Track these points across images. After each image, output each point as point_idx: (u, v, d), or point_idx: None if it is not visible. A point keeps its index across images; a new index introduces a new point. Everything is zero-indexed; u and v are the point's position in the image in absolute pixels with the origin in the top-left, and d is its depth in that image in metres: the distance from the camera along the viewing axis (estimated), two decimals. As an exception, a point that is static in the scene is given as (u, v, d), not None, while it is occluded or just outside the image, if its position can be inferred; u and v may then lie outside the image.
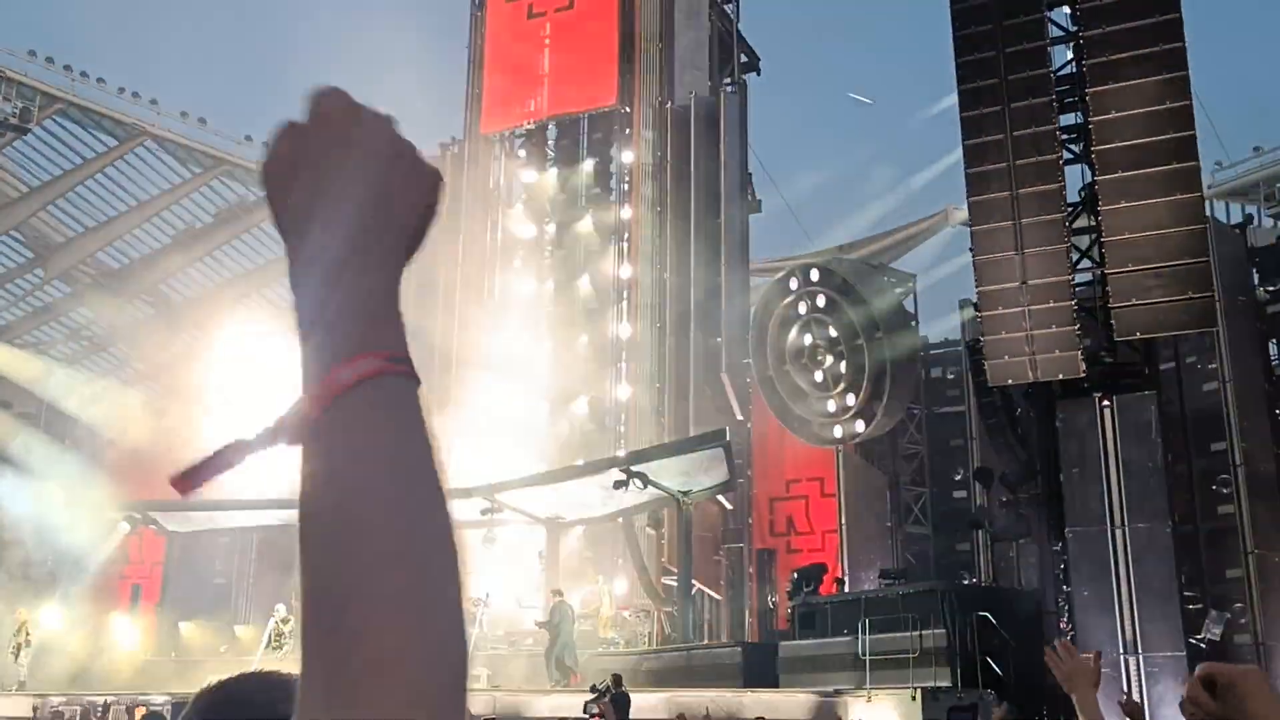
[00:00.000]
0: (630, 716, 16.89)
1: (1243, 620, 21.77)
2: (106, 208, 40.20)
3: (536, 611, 26.26)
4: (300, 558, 0.82)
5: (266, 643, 25.80)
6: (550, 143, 32.93)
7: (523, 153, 33.33)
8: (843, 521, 25.90)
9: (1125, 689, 17.64)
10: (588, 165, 31.89)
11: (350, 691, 0.76)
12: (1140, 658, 18.10)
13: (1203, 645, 19.16)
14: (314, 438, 0.82)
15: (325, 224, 0.89)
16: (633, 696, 19.29)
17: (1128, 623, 18.33)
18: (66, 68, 37.82)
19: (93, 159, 39.26)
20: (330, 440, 0.82)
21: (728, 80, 31.67)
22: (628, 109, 30.42)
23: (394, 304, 0.90)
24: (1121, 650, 18.24)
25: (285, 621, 25.47)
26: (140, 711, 13.40)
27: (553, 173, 32.53)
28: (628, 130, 30.57)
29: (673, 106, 30.02)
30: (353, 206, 0.89)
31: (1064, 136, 20.69)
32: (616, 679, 17.54)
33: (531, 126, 32.66)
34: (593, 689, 17.81)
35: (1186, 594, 19.23)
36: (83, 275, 40.69)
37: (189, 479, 0.84)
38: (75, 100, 37.63)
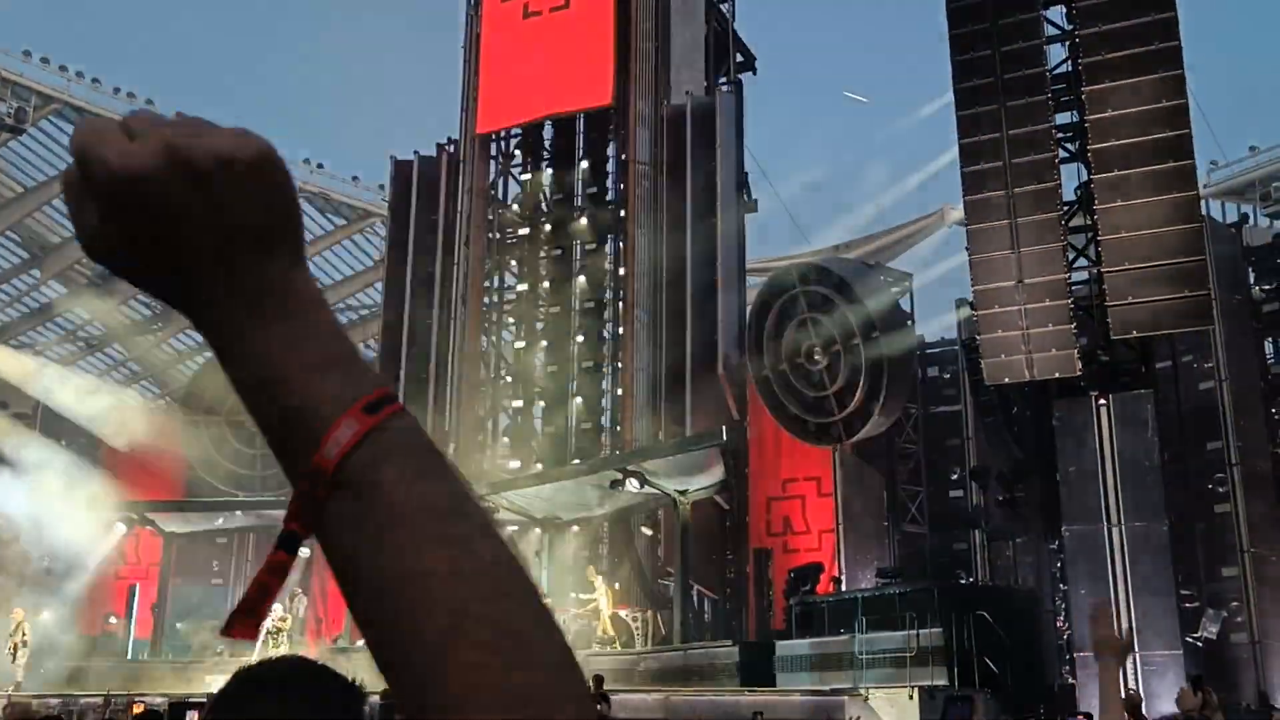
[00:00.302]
0: (622, 718, 16.89)
1: (1239, 619, 21.79)
2: (102, 208, 40.15)
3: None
4: (366, 641, 0.75)
5: (262, 643, 25.76)
6: (546, 143, 32.93)
7: (518, 152, 33.33)
8: (839, 521, 25.91)
9: (1125, 683, 17.65)
10: (583, 165, 31.88)
11: None
12: (1137, 656, 18.09)
13: (1199, 644, 19.19)
14: (331, 526, 0.75)
15: (213, 296, 0.76)
16: (629, 697, 19.32)
17: (1124, 621, 18.32)
18: (62, 68, 37.79)
19: (86, 161, 39.19)
20: (349, 523, 0.74)
21: (724, 80, 31.68)
22: (623, 109, 30.41)
23: (336, 337, 0.78)
24: (1118, 649, 18.24)
25: (283, 620, 25.48)
26: (138, 708, 13.39)
27: (548, 172, 32.52)
28: (623, 130, 30.56)
29: (668, 106, 30.02)
30: (217, 255, 0.76)
31: (1059, 135, 20.71)
32: (598, 680, 17.55)
33: (527, 126, 32.66)
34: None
35: (1183, 592, 19.25)
36: (79, 276, 40.66)
37: (239, 629, 0.77)
38: (71, 100, 37.58)
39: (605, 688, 20.25)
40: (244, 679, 1.45)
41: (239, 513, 29.95)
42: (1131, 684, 17.92)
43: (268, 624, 25.45)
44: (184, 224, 0.75)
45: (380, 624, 0.74)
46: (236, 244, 0.76)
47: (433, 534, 0.74)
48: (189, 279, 0.77)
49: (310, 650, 26.94)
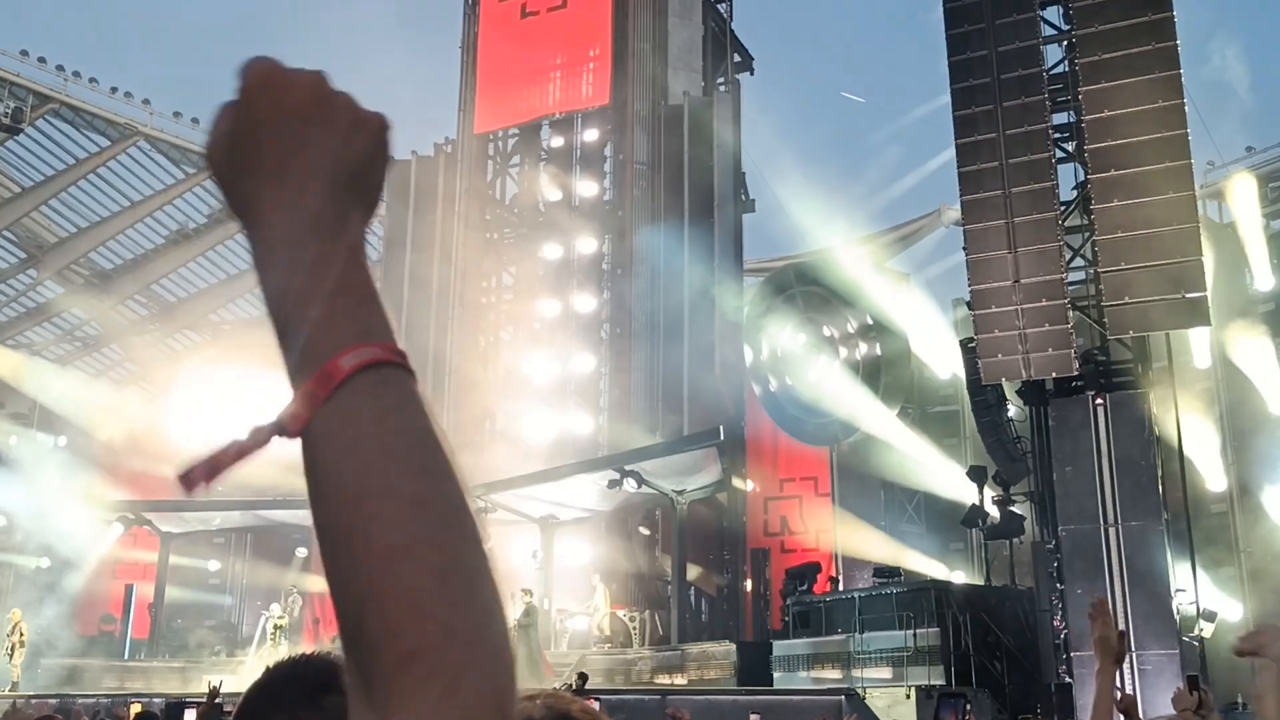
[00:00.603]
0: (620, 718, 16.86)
1: (1235, 618, 21.82)
2: (99, 208, 40.14)
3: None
4: (322, 554, 0.80)
5: (260, 640, 25.79)
6: (544, 142, 32.93)
7: (516, 152, 33.35)
8: (836, 520, 25.93)
9: (1119, 685, 17.68)
10: (580, 165, 31.89)
11: (386, 693, 0.74)
12: (1133, 656, 18.11)
13: (1195, 643, 19.21)
14: (319, 429, 0.80)
15: (275, 201, 0.86)
16: (626, 697, 19.32)
17: (1121, 621, 18.33)
18: (59, 68, 37.75)
19: (85, 159, 39.18)
20: (336, 431, 0.80)
21: (721, 80, 31.70)
22: (621, 109, 30.42)
23: (370, 284, 0.87)
24: (1115, 648, 18.26)
25: (281, 619, 25.49)
26: (136, 707, 13.38)
27: (546, 173, 32.52)
28: (621, 130, 30.57)
29: (666, 106, 30.04)
30: (297, 176, 0.86)
31: (1056, 135, 20.72)
32: (582, 678, 17.55)
33: (525, 126, 32.67)
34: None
35: (1179, 591, 19.26)
36: (76, 275, 40.64)
37: (194, 477, 0.82)
38: (68, 100, 37.55)
39: (600, 685, 20.28)
40: (280, 677, 1.46)
41: (236, 513, 29.93)
42: (1128, 683, 17.96)
43: (264, 625, 25.47)
44: (311, 142, 0.87)
45: (338, 530, 0.79)
46: (340, 171, 0.88)
47: (405, 458, 0.80)
48: (291, 183, 0.86)
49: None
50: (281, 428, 0.81)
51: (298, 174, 0.86)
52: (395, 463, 0.80)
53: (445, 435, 0.84)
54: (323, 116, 0.88)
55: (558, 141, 32.39)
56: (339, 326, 0.83)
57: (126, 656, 28.97)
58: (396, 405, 0.82)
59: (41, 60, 37.48)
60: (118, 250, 41.00)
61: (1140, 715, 7.58)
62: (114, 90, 38.56)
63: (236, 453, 0.81)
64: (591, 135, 31.72)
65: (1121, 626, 18.03)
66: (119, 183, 39.87)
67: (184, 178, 39.76)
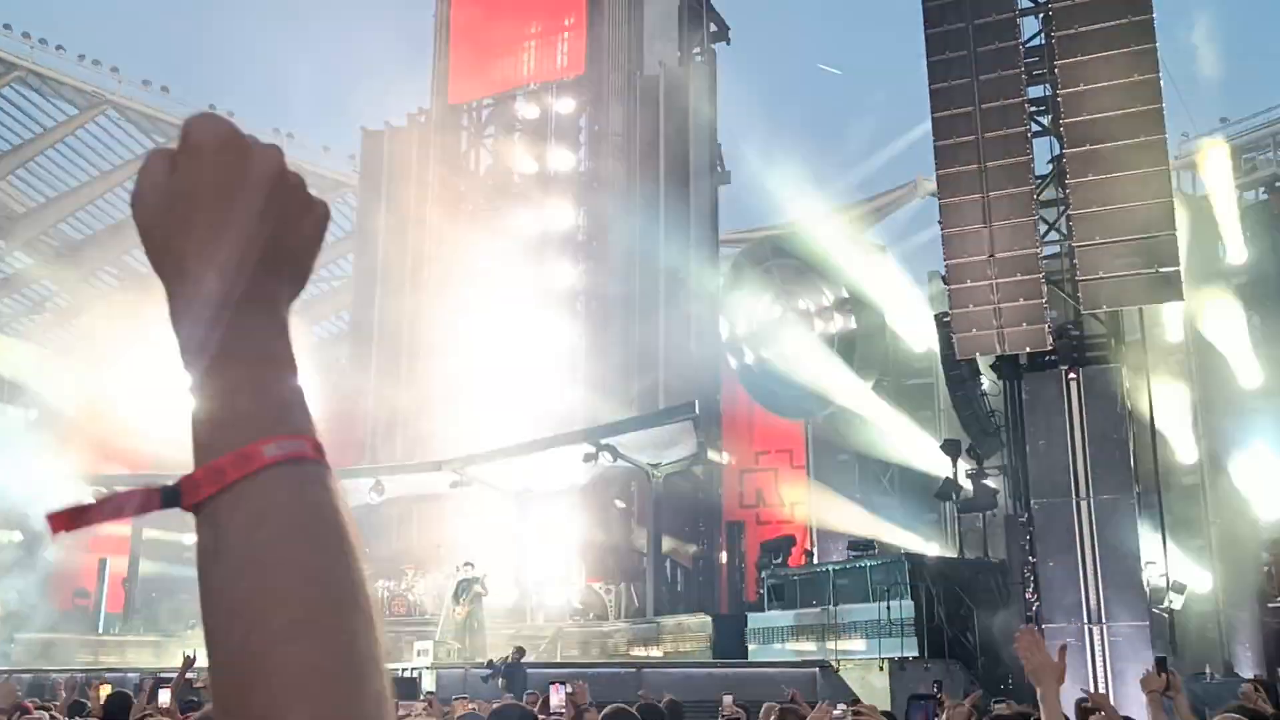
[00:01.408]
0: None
1: (1204, 590, 22.06)
2: (68, 177, 39.65)
3: (509, 584, 26.36)
4: (205, 627, 0.79)
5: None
6: (518, 113, 32.66)
7: (490, 123, 33.07)
8: (811, 493, 26.04)
9: (1090, 661, 17.88)
10: (556, 135, 31.66)
11: None
12: (1104, 628, 18.31)
13: (1165, 615, 19.42)
14: (224, 507, 0.79)
15: (210, 265, 0.85)
16: (603, 670, 19.38)
17: (1092, 593, 18.52)
18: (25, 34, 37.14)
19: (53, 128, 38.66)
20: (244, 513, 0.79)
21: (697, 50, 31.49)
22: (596, 80, 30.19)
23: (296, 365, 0.87)
24: (1086, 620, 18.45)
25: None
26: (105, 689, 13.26)
27: (520, 143, 32.29)
28: (596, 101, 30.35)
29: (641, 77, 29.83)
30: (239, 246, 0.85)
31: (1032, 109, 20.68)
32: (519, 650, 17.62)
33: (499, 96, 32.39)
34: (489, 664, 17.90)
35: (1149, 564, 19.44)
36: (45, 246, 40.15)
37: (60, 521, 0.81)
38: (34, 68, 36.98)
39: (576, 658, 20.36)
40: None
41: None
42: (1098, 655, 18.16)
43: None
44: (262, 215, 0.85)
45: (230, 605, 0.78)
46: (282, 249, 0.87)
47: (310, 545, 0.80)
48: (215, 248, 0.84)
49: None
50: (176, 496, 0.80)
51: (239, 243, 0.85)
52: (299, 546, 0.79)
53: (355, 528, 0.83)
54: (277, 193, 0.87)
55: (532, 112, 32.14)
56: (264, 409, 0.83)
57: (101, 630, 28.88)
58: (311, 502, 0.81)
59: (7, 27, 36.90)
60: (88, 220, 40.54)
61: (1112, 705, 7.65)
62: (81, 58, 38.03)
63: (114, 509, 0.80)
64: (566, 106, 31.49)
65: (1091, 603, 18.19)
66: (88, 152, 39.39)
67: (154, 147, 39.29)
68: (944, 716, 7.05)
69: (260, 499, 0.79)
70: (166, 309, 0.86)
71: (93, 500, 0.80)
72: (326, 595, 0.78)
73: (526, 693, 13.17)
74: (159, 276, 0.87)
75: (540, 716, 8.07)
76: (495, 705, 7.44)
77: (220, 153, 0.86)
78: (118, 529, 31.08)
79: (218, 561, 0.79)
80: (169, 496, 0.80)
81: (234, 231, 0.84)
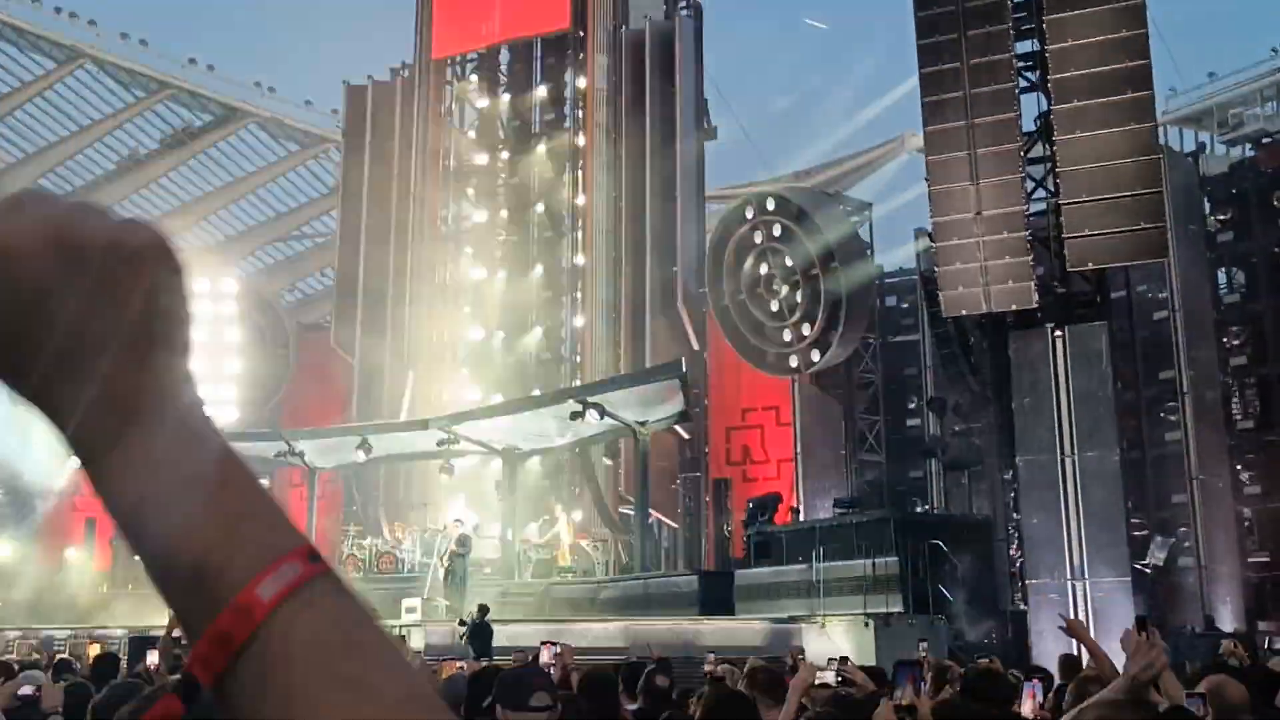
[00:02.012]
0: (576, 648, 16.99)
1: (1186, 544, 22.31)
2: (47, 132, 39.18)
3: (495, 541, 26.47)
4: None
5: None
6: (503, 68, 32.34)
7: (474, 78, 32.73)
8: (798, 450, 26.13)
9: (1071, 611, 18.06)
10: (541, 91, 31.38)
11: None
12: (1087, 583, 18.51)
13: (1147, 570, 19.64)
14: (246, 675, 0.68)
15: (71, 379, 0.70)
16: (590, 626, 19.51)
17: (1075, 549, 18.71)
18: (0, -13, 36.54)
19: (31, 82, 38.14)
20: (269, 675, 0.67)
21: (683, 5, 31.13)
22: (581, 33, 29.88)
23: (241, 463, 0.72)
24: (1069, 575, 18.65)
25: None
26: (94, 649, 13.32)
27: (505, 99, 32.00)
28: (581, 55, 30.06)
29: (628, 31, 29.53)
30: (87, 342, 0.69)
31: (1020, 64, 20.59)
32: (482, 609, 17.73)
33: (483, 51, 32.04)
34: (460, 621, 18.03)
35: (1133, 520, 19.65)
36: (24, 203, 39.77)
37: None
38: (9, 20, 36.40)
39: (564, 615, 20.48)
40: None
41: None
42: (1081, 610, 18.36)
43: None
44: (52, 308, 0.68)
45: None
46: (113, 338, 0.69)
47: (366, 682, 0.69)
48: (57, 371, 0.70)
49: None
50: (196, 687, 0.69)
51: (79, 341, 0.69)
52: (338, 682, 0.68)
53: (385, 627, 0.73)
54: (76, 253, 0.69)
55: (517, 67, 31.83)
56: (239, 541, 0.69)
57: (88, 588, 28.92)
58: (335, 626, 0.70)
59: (-17, -22, 36.28)
60: (67, 176, 40.08)
61: (1090, 636, 7.74)
62: (58, 11, 37.42)
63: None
64: (551, 61, 31.18)
65: (1074, 559, 18.38)
66: (66, 106, 38.90)
67: (134, 101, 38.83)
68: (929, 679, 7.11)
69: (280, 653, 0.68)
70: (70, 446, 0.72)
71: None
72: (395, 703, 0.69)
73: (515, 650, 13.21)
74: (45, 414, 0.72)
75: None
76: (477, 668, 7.47)
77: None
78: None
79: None
80: (190, 692, 0.69)
81: (59, 324, 0.69)
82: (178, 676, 0.70)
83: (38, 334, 0.69)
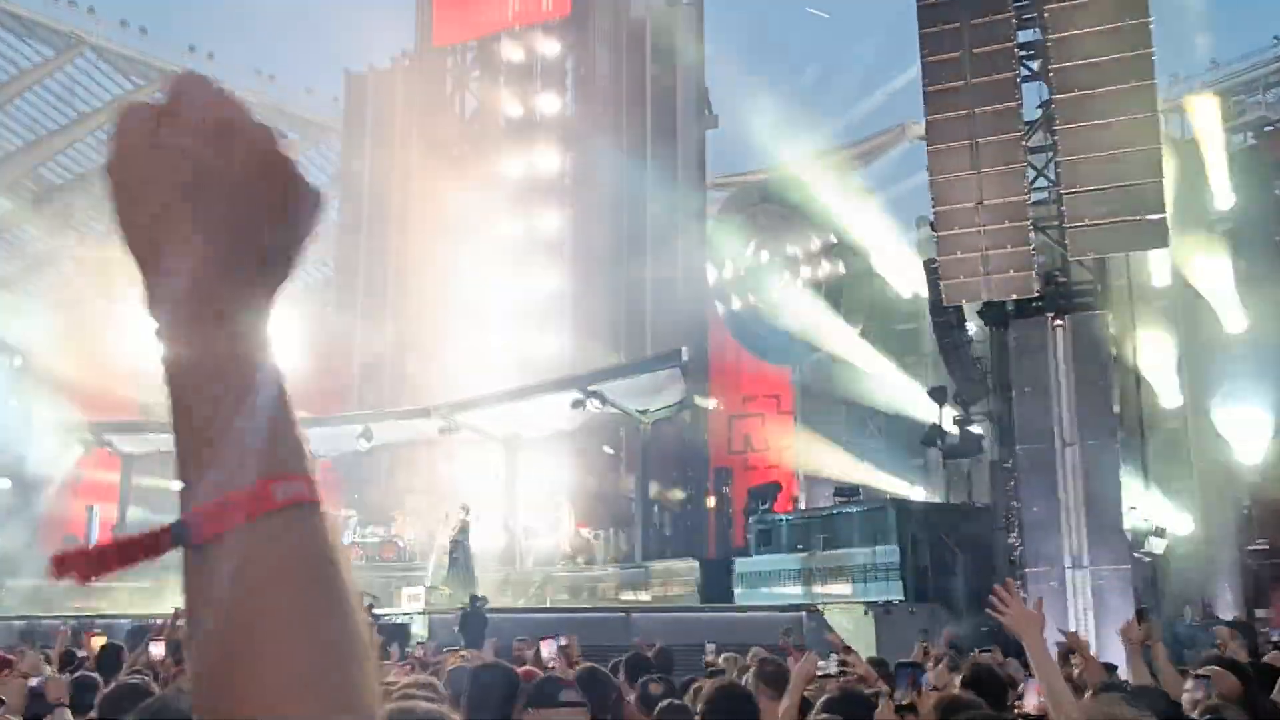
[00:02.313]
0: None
1: (1185, 532, 22.34)
2: (47, 120, 39.13)
3: (498, 530, 26.53)
4: (195, 667, 0.77)
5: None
6: (503, 56, 32.28)
7: (475, 66, 32.67)
8: (798, 438, 26.17)
9: (1071, 604, 18.13)
10: (541, 79, 31.33)
11: None
12: (1086, 572, 18.54)
13: (1146, 559, 19.67)
14: (230, 547, 0.76)
15: (214, 262, 0.79)
16: (592, 615, 19.61)
17: (1075, 537, 18.73)
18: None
19: (30, 69, 38.08)
20: (249, 555, 0.76)
21: (685, -9, 31.08)
22: (582, 22, 29.81)
23: (278, 369, 0.82)
24: (1069, 564, 18.68)
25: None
26: (98, 640, 13.35)
27: (506, 87, 31.96)
28: (582, 44, 30.00)
29: (628, 19, 29.47)
30: (249, 245, 0.79)
31: (1022, 54, 20.53)
32: (474, 598, 17.83)
33: (484, 39, 31.97)
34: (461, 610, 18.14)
35: (1132, 508, 19.66)
36: (24, 190, 39.70)
37: (67, 565, 0.79)
38: (8, 8, 36.33)
39: (565, 603, 20.56)
40: None
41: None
42: (1080, 599, 18.41)
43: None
44: (266, 209, 0.80)
45: (228, 648, 0.76)
46: (281, 245, 0.81)
47: (311, 594, 0.78)
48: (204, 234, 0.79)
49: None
50: (185, 535, 0.77)
51: (240, 238, 0.79)
52: (301, 596, 0.78)
53: (349, 567, 0.82)
54: (286, 188, 0.81)
55: (517, 55, 31.78)
56: (268, 440, 0.79)
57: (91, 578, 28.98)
58: (310, 553, 0.79)
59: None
60: (67, 165, 40.06)
61: (1089, 651, 7.77)
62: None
63: (122, 556, 0.78)
64: (552, 49, 31.14)
65: (1074, 547, 18.39)
66: (66, 94, 38.85)
67: (133, 89, 38.76)
68: (930, 674, 7.14)
69: (263, 545, 0.77)
70: (144, 296, 0.81)
71: (99, 546, 0.78)
72: (325, 651, 0.77)
73: (517, 639, 13.25)
74: (134, 258, 0.81)
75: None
76: (481, 663, 7.50)
77: (206, 121, 0.80)
78: (106, 475, 31.11)
79: (212, 604, 0.77)
80: (177, 536, 0.77)
81: (234, 223, 0.79)
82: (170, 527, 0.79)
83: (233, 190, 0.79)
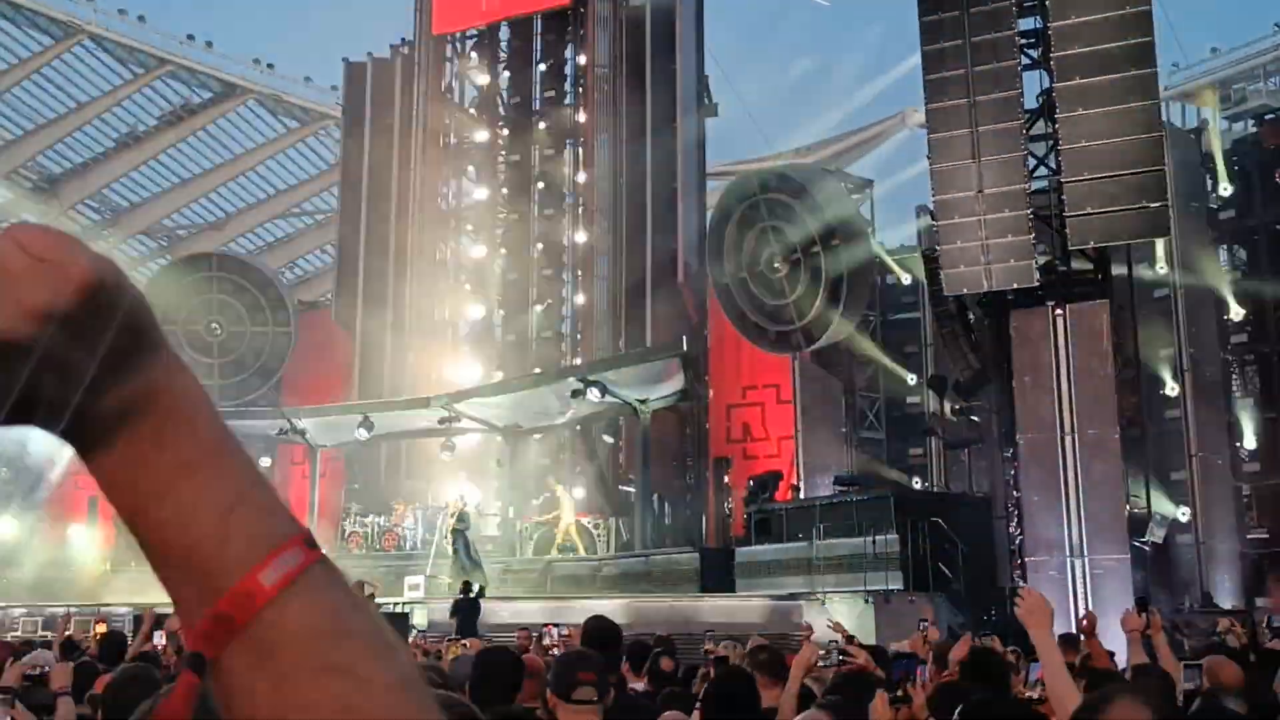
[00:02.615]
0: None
1: (1185, 521, 22.38)
2: (45, 109, 39.06)
3: (496, 519, 26.57)
4: None
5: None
6: (503, 44, 32.21)
7: (474, 55, 32.59)
8: (798, 428, 26.16)
9: (1071, 593, 18.16)
10: (541, 68, 31.28)
11: None
12: (1086, 560, 18.58)
13: (1146, 548, 19.70)
14: (243, 659, 0.71)
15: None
16: (591, 603, 19.62)
17: (1074, 527, 18.76)
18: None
19: (29, 58, 37.99)
20: (269, 656, 0.71)
21: (684, -21, 30.95)
22: (582, 9, 29.74)
23: (219, 419, 0.76)
24: (1068, 554, 18.71)
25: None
26: (100, 628, 13.40)
27: (505, 75, 31.90)
28: (582, 31, 29.93)
29: (628, 7, 29.38)
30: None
31: (1023, 42, 20.49)
32: (465, 586, 17.87)
33: (484, 28, 31.90)
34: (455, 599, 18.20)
35: (1132, 497, 19.68)
36: (23, 180, 39.66)
37: None
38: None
39: (566, 592, 20.59)
40: None
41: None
42: (1079, 588, 18.45)
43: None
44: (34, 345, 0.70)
45: None
46: (90, 360, 0.72)
47: (327, 682, 0.72)
48: (46, 394, 0.72)
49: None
50: (200, 663, 0.72)
51: (65, 374, 0.73)
52: (313, 684, 0.72)
53: (377, 613, 0.78)
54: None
55: (517, 44, 31.70)
56: (234, 529, 0.73)
57: (92, 566, 29.04)
58: (329, 613, 0.74)
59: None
60: (66, 154, 40.01)
61: (1098, 640, 7.79)
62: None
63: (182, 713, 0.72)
64: (551, 37, 31.06)
65: (1074, 537, 18.44)
66: (65, 83, 38.77)
67: (132, 78, 38.69)
68: (929, 666, 7.14)
69: (279, 634, 0.72)
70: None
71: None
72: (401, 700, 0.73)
73: (519, 629, 13.29)
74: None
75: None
76: (481, 648, 7.52)
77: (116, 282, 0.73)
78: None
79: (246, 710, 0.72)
80: (198, 668, 0.72)
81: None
82: (186, 654, 0.74)
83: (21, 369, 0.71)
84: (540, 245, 30.38)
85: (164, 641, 8.94)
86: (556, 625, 8.51)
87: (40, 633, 18.75)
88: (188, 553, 0.73)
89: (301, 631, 0.72)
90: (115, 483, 0.75)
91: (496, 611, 19.58)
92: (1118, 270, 21.25)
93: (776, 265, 25.75)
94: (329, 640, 0.73)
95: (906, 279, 26.83)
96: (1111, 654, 8.93)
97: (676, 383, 23.68)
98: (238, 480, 0.75)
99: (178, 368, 0.77)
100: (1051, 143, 20.04)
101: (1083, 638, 7.67)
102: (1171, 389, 23.40)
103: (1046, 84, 20.35)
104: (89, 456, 0.75)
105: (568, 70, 30.97)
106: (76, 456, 0.75)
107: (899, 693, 4.53)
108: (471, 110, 32.64)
